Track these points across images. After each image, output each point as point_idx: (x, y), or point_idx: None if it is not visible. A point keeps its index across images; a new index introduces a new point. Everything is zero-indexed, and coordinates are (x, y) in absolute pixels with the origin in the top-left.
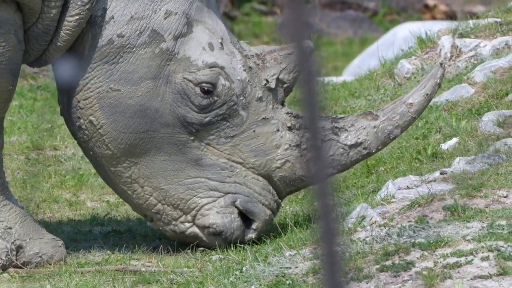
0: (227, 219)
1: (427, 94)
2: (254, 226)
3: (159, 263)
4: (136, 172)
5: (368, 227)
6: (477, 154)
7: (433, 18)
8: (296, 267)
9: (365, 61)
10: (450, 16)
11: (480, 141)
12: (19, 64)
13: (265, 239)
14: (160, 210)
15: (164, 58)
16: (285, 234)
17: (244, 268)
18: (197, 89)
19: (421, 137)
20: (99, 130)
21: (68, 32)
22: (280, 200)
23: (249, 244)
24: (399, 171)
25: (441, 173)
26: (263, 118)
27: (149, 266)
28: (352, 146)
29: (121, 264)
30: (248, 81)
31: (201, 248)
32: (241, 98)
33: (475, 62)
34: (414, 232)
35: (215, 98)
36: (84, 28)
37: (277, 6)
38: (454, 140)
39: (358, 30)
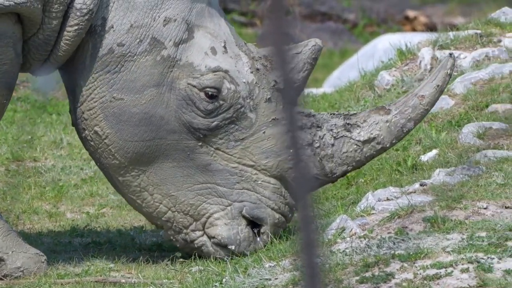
0: (233, 231)
1: (438, 86)
2: (262, 230)
3: (139, 274)
4: (145, 180)
5: (348, 239)
6: (457, 165)
7: (413, 29)
8: (276, 279)
9: (345, 73)
10: (431, 27)
11: (460, 153)
12: (15, 78)
13: (244, 251)
14: (170, 218)
15: (166, 65)
16: (265, 246)
17: (224, 280)
18: (202, 94)
19: (401, 148)
20: (105, 140)
21: (67, 42)
22: (294, 202)
23: (228, 255)
24: (379, 183)
25: (421, 185)
26: (273, 119)
27: (129, 278)
28: (365, 142)
29: (101, 276)
30: (256, 83)
31: (181, 260)
32: (248, 100)
33: (455, 73)
34: (394, 243)
35: (221, 102)
36: (84, 37)
37: (257, 18)
38: (434, 151)
39: (338, 41)
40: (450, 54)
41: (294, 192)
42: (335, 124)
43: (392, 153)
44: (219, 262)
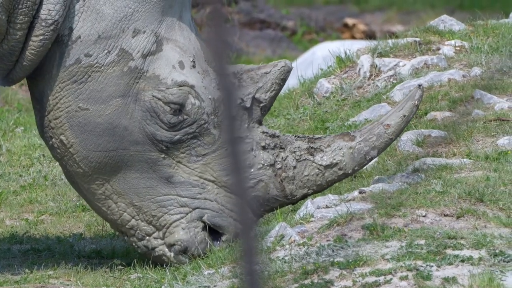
0: (191, 233)
1: (404, 116)
2: (223, 238)
3: (78, 281)
4: (109, 189)
5: (287, 246)
6: (396, 173)
7: (352, 37)
8: (215, 286)
9: None
10: (370, 35)
11: (399, 160)
12: None
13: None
14: (134, 226)
15: (133, 76)
16: (204, 253)
17: (162, 287)
18: (166, 107)
19: None
20: (70, 149)
21: (33, 52)
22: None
23: (166, 263)
24: None
25: (360, 192)
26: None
27: (68, 285)
28: (327, 167)
29: (40, 283)
30: (212, 99)
31: (120, 267)
32: (213, 117)
33: (394, 81)
34: (333, 251)
35: (185, 117)
36: (52, 47)
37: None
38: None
39: (277, 49)
40: (419, 86)
41: (253, 212)
42: (298, 147)
43: None
44: (158, 269)
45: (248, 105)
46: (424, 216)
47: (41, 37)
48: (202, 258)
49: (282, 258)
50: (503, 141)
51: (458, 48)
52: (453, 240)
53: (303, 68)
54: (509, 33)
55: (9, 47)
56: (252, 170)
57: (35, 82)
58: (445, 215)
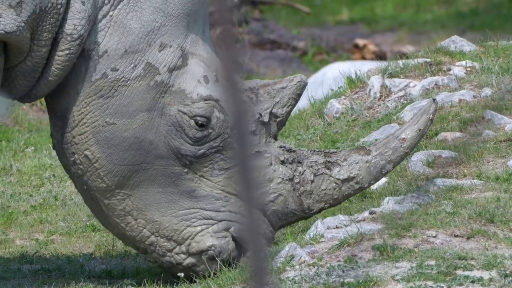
0: (223, 241)
1: (419, 130)
2: (248, 254)
3: None
4: (130, 205)
5: (297, 267)
6: (407, 194)
7: (363, 58)
8: None
9: None
10: (380, 56)
11: (410, 181)
12: None
13: (194, 277)
14: (153, 242)
15: (159, 91)
16: (214, 273)
17: None
18: (192, 122)
19: None
20: (95, 164)
21: (58, 67)
22: (274, 231)
23: (177, 283)
24: (328, 211)
25: (370, 213)
26: (257, 151)
27: None
28: (344, 181)
29: None
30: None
31: (130, 287)
32: (251, 125)
33: (405, 102)
34: (343, 271)
35: (210, 131)
36: (77, 62)
37: None
38: (384, 179)
39: (288, 69)
40: (434, 100)
41: (271, 225)
42: (315, 161)
43: None
44: None
45: (266, 119)
46: (434, 237)
47: (67, 52)
48: (212, 278)
49: (292, 279)
50: None
51: (469, 69)
52: (463, 261)
53: (314, 88)
54: None
55: (33, 63)
56: (272, 184)
57: (57, 98)
58: (455, 236)
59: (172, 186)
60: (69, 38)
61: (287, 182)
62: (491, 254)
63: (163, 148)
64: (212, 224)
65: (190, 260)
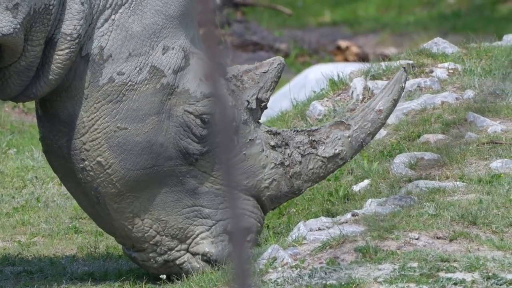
0: (220, 248)
1: (394, 99)
2: (248, 238)
3: None
4: (138, 206)
5: (280, 269)
6: (389, 196)
7: (345, 60)
8: None
9: (277, 103)
10: (363, 58)
11: (392, 183)
12: None
13: (176, 279)
14: (158, 242)
15: (165, 93)
16: (196, 275)
17: None
18: (198, 120)
19: (332, 178)
20: (107, 170)
21: (59, 65)
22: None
23: (159, 284)
24: (311, 213)
25: (352, 215)
26: (250, 139)
27: None
28: (330, 158)
29: None
30: (234, 104)
31: None
32: (234, 123)
33: None
34: (326, 273)
35: (213, 127)
36: (82, 66)
37: None
38: (366, 181)
39: None
40: (404, 68)
41: (265, 209)
42: (301, 141)
43: (324, 183)
44: None
45: (254, 106)
46: (417, 239)
47: (67, 51)
48: (194, 280)
49: (275, 281)
50: (496, 164)
51: (451, 71)
52: (446, 263)
53: (296, 90)
54: (502, 56)
55: (27, 63)
56: (266, 170)
57: (60, 103)
58: (438, 238)
59: (179, 185)
60: (68, 38)
61: (279, 166)
62: (473, 256)
63: (172, 150)
64: (210, 226)
65: (186, 257)
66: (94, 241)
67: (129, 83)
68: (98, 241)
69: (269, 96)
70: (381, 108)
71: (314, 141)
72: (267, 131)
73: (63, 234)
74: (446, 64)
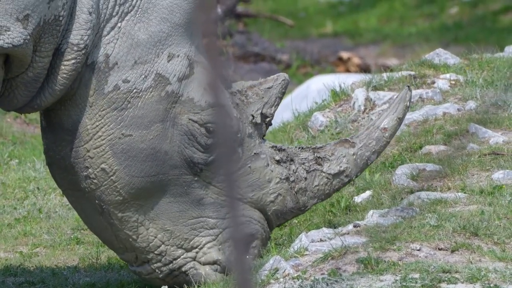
0: (227, 254)
1: (399, 118)
2: (253, 244)
3: None
4: (142, 215)
5: (282, 280)
6: (391, 207)
7: (347, 71)
8: None
9: (279, 114)
10: (364, 69)
11: (394, 194)
12: None
13: None
14: (163, 252)
15: (170, 101)
16: (198, 286)
17: None
18: (203, 130)
19: None
20: (112, 177)
21: (64, 76)
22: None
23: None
24: (313, 224)
25: (354, 226)
26: (255, 153)
27: None
28: (335, 175)
29: None
30: (239, 117)
31: None
32: (239, 134)
33: None
34: (327, 284)
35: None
36: (87, 74)
37: None
38: (368, 193)
39: None
40: (408, 87)
41: (270, 225)
42: (306, 158)
43: None
44: None
45: (258, 121)
46: (418, 250)
47: (73, 61)
48: None
49: None
50: (498, 175)
51: (453, 82)
52: (447, 274)
53: (298, 101)
54: (504, 67)
55: (35, 74)
56: (271, 184)
57: (65, 112)
58: (439, 249)
59: (184, 195)
60: (75, 48)
61: (284, 181)
62: (475, 267)
63: (177, 158)
64: (217, 235)
65: (192, 263)
66: (96, 251)
67: (134, 90)
68: (100, 252)
69: (274, 112)
70: (386, 126)
71: (319, 157)
72: (272, 147)
73: (65, 245)
74: (448, 75)
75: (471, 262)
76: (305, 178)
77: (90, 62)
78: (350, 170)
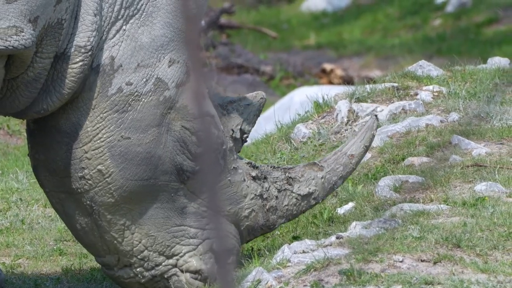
0: (209, 265)
1: (366, 146)
2: (229, 260)
3: None
4: (130, 219)
5: None
6: (373, 218)
7: (330, 82)
8: None
9: (262, 125)
10: (347, 80)
11: (376, 206)
12: None
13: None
14: (145, 257)
15: (166, 106)
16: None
17: None
18: (194, 138)
19: None
20: (107, 179)
21: (73, 79)
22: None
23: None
24: (295, 235)
25: (337, 238)
26: (234, 167)
27: None
28: (304, 197)
29: None
30: (222, 130)
31: None
32: (224, 146)
33: None
34: None
35: None
36: (91, 77)
37: None
38: (350, 204)
39: None
40: (375, 116)
41: (242, 240)
42: (277, 177)
43: None
44: None
45: (238, 136)
46: (401, 262)
47: (81, 63)
48: None
49: None
50: (480, 187)
51: (436, 94)
52: (430, 285)
53: (281, 113)
54: (486, 79)
55: (35, 74)
56: (246, 200)
57: (64, 115)
58: (422, 261)
59: (170, 202)
60: (82, 50)
61: (258, 197)
62: (457, 279)
63: (168, 164)
64: (197, 245)
65: (174, 270)
66: (78, 263)
67: (136, 93)
68: (83, 263)
69: (251, 129)
70: (353, 153)
71: (290, 178)
72: (247, 163)
73: (47, 256)
74: (430, 87)
75: (454, 274)
76: (276, 197)
77: (95, 65)
78: (317, 193)
